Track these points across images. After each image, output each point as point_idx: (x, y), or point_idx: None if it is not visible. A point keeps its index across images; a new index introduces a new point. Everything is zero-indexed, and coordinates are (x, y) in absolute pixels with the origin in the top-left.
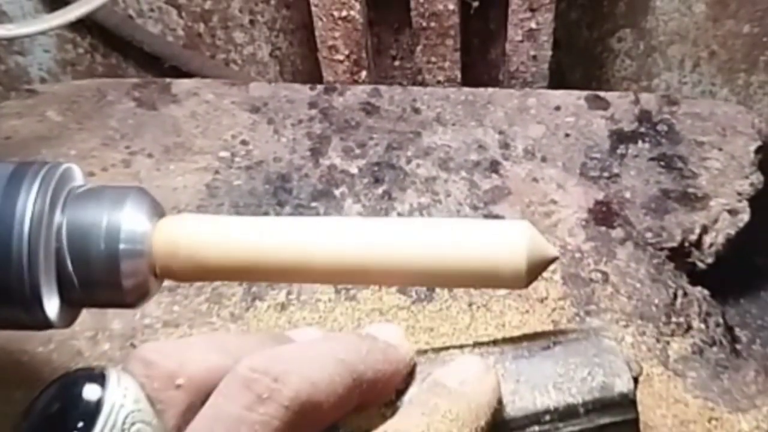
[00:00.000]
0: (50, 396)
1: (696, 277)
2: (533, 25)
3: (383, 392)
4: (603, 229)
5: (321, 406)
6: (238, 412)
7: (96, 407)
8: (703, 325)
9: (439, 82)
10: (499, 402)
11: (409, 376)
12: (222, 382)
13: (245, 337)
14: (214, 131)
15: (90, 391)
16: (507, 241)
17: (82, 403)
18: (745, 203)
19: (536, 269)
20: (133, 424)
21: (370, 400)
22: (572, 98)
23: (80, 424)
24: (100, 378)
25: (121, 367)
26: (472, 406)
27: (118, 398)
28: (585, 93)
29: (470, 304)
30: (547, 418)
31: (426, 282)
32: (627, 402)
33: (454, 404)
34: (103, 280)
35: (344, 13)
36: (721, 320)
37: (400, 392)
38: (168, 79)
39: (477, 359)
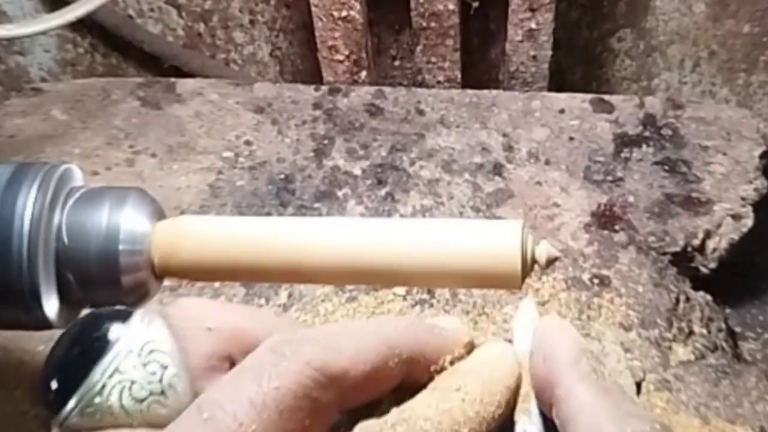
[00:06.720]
0: (76, 326)
1: (698, 280)
2: (533, 25)
3: (433, 365)
4: (606, 232)
5: (348, 371)
6: (263, 365)
7: (115, 336)
8: (704, 330)
9: (439, 82)
10: (518, 381)
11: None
12: (251, 353)
13: (281, 318)
14: (218, 131)
15: (113, 325)
16: (501, 240)
17: (103, 329)
18: (748, 208)
19: (532, 268)
20: (151, 351)
21: (420, 374)
22: (577, 101)
23: (97, 344)
24: (124, 314)
25: (157, 313)
26: (486, 383)
27: (140, 328)
28: (590, 96)
29: (472, 310)
30: None
31: (423, 282)
32: None
33: (467, 382)
34: (103, 280)
35: (344, 13)
36: (723, 325)
37: None
38: (172, 79)
39: (497, 344)
